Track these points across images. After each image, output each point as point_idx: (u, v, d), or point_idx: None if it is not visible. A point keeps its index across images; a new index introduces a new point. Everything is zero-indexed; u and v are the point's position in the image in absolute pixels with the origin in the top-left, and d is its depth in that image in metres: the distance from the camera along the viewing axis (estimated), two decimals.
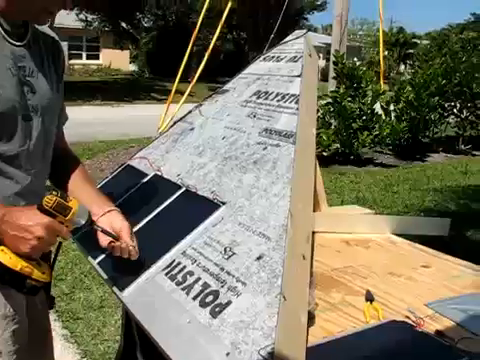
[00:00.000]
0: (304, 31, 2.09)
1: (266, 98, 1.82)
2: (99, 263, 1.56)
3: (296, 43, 2.04)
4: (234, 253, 1.27)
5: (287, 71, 1.88)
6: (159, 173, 1.80)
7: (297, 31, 2.13)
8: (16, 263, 1.16)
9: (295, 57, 1.93)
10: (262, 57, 2.14)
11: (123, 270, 1.47)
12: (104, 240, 1.38)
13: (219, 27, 9.23)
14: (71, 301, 3.47)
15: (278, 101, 1.74)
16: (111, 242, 1.37)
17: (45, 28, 1.46)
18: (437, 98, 9.10)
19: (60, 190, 1.24)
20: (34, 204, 1.22)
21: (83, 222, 1.29)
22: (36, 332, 1.51)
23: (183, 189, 1.63)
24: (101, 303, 3.43)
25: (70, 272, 3.90)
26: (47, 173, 1.48)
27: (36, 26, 1.41)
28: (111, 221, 1.40)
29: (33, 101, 1.35)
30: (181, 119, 2.14)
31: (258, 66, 2.11)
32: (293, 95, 1.71)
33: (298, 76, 1.79)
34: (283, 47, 2.10)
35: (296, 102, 1.66)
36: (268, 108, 1.74)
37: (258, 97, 1.86)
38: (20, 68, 1.31)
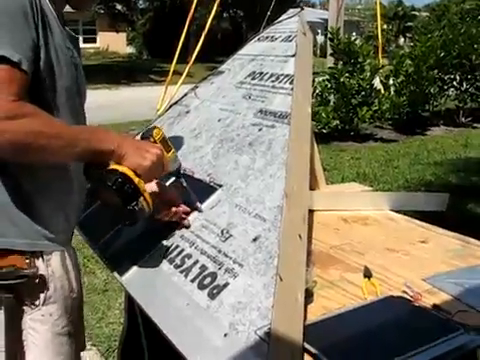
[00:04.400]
0: (298, 9, 2.07)
1: (261, 79, 1.82)
2: (99, 248, 1.58)
3: (291, 22, 2.03)
4: (231, 235, 1.29)
5: (281, 51, 1.88)
6: None
7: (291, 10, 2.12)
8: (135, 177, 1.20)
9: (289, 36, 1.93)
10: (256, 37, 2.13)
11: (123, 254, 1.49)
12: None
13: (215, 6, 9.15)
14: None
15: (273, 82, 1.74)
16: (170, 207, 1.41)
17: None
18: (436, 71, 9.04)
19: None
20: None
21: (175, 168, 1.41)
22: None
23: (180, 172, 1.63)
24: (105, 286, 3.47)
25: None
26: None
27: None
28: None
29: (82, 86, 1.39)
30: (177, 102, 2.15)
31: (253, 47, 2.10)
32: (287, 75, 1.71)
33: (293, 56, 1.79)
34: (277, 26, 2.09)
35: (291, 82, 1.66)
36: (263, 89, 1.74)
37: (253, 78, 1.86)
38: (69, 50, 1.32)
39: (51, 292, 1.26)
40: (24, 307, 1.24)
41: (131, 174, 1.19)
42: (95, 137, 1.21)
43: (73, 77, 1.31)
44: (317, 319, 1.28)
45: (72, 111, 1.31)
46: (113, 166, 1.21)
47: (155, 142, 1.31)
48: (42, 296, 1.25)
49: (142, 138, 1.35)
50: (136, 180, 1.19)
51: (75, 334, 1.37)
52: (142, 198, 1.21)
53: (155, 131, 1.32)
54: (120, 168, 1.20)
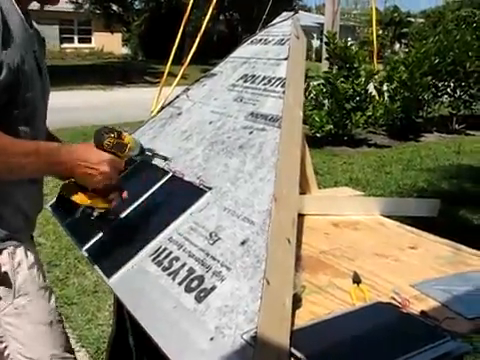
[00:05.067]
0: (292, 13, 2.07)
1: (253, 82, 1.81)
2: (87, 250, 1.57)
3: (284, 25, 2.03)
4: (219, 238, 1.28)
5: (274, 54, 1.87)
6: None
7: (285, 13, 2.11)
8: (85, 200, 1.37)
9: (282, 40, 1.92)
10: (249, 40, 2.13)
11: (111, 256, 1.48)
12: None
13: (211, 8, 9.14)
14: (65, 286, 3.48)
15: (265, 85, 1.74)
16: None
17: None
18: (430, 77, 9.07)
19: (115, 129, 1.41)
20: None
21: (136, 153, 1.46)
22: None
23: (170, 174, 1.63)
24: (95, 288, 3.45)
25: (64, 258, 3.92)
26: None
27: None
28: None
29: (45, 85, 1.42)
30: (169, 104, 2.14)
31: (246, 49, 2.10)
32: (280, 79, 1.71)
33: (285, 59, 1.78)
34: (270, 29, 2.09)
35: (282, 85, 1.66)
36: (254, 92, 1.74)
37: (245, 81, 1.85)
38: (34, 52, 1.34)
39: (19, 284, 1.29)
40: None
41: (80, 201, 1.37)
42: (43, 160, 1.26)
43: (36, 85, 1.33)
44: (304, 325, 1.28)
45: (31, 119, 1.34)
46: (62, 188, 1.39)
47: (106, 151, 1.36)
48: (11, 290, 1.27)
49: (96, 144, 1.38)
50: (74, 197, 1.36)
51: (60, 322, 1.40)
52: (96, 209, 1.40)
53: (106, 142, 1.36)
54: (63, 190, 1.38)
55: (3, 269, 1.26)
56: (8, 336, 1.27)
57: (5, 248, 1.28)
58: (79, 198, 1.36)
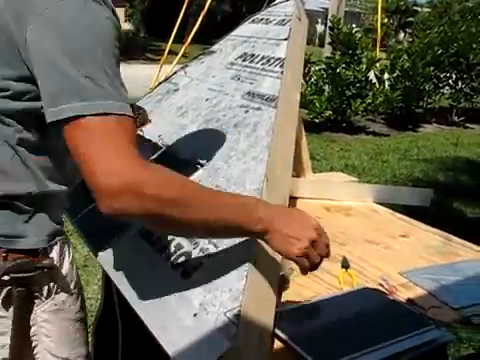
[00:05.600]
0: None
1: (251, 61, 1.79)
2: (77, 222, 1.56)
3: (286, 6, 2.00)
4: None
5: (274, 34, 1.85)
6: (141, 133, 1.78)
7: None
8: None
9: (283, 20, 1.90)
10: (251, 19, 2.11)
11: (100, 230, 1.47)
12: None
13: None
14: None
15: (263, 64, 1.72)
16: None
17: None
18: (432, 68, 9.03)
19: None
20: None
21: None
22: None
23: (163, 149, 1.61)
24: (85, 262, 3.45)
25: None
26: None
27: None
28: None
29: None
30: (166, 79, 2.12)
31: (246, 28, 2.07)
32: (278, 59, 1.69)
33: (285, 39, 1.76)
34: (273, 9, 2.06)
35: (281, 66, 1.64)
36: (252, 71, 1.72)
37: (244, 60, 1.83)
38: None
39: (61, 280, 1.20)
40: (35, 300, 1.16)
41: None
42: (242, 211, 1.00)
43: None
44: (289, 307, 1.28)
45: None
46: None
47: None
48: (54, 285, 1.19)
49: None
50: None
51: (85, 319, 1.33)
52: None
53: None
54: None
55: (54, 263, 1.18)
56: (41, 334, 1.19)
57: (56, 243, 1.19)
58: None
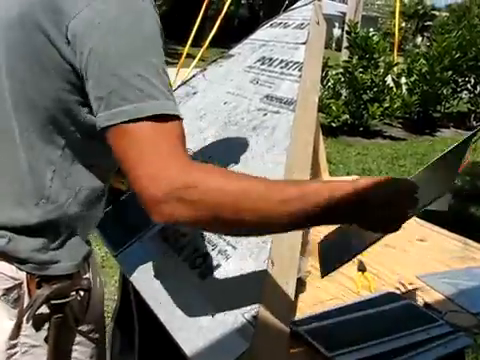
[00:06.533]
0: None
1: (270, 65, 1.80)
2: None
3: (304, 10, 2.01)
4: None
5: (293, 38, 1.86)
6: None
7: None
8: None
9: (302, 24, 1.90)
10: (269, 23, 2.12)
11: (119, 231, 1.49)
12: None
13: None
14: None
15: (282, 68, 1.72)
16: None
17: None
18: (451, 72, 8.95)
19: None
20: None
21: None
22: None
23: None
24: (102, 263, 3.47)
25: None
26: None
27: None
28: None
29: None
30: (185, 82, 2.13)
31: (265, 32, 2.08)
32: (297, 62, 1.69)
33: (303, 43, 1.77)
34: (291, 13, 2.07)
35: (299, 69, 1.65)
36: (271, 74, 1.73)
37: (262, 63, 1.84)
38: None
39: (92, 299, 1.13)
40: (71, 324, 1.09)
41: None
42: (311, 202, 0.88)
43: None
44: (310, 314, 1.28)
45: None
46: None
47: None
48: (87, 305, 1.11)
49: None
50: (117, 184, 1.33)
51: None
52: None
53: None
54: None
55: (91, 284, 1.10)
56: (73, 357, 1.11)
57: (89, 264, 1.12)
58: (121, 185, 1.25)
